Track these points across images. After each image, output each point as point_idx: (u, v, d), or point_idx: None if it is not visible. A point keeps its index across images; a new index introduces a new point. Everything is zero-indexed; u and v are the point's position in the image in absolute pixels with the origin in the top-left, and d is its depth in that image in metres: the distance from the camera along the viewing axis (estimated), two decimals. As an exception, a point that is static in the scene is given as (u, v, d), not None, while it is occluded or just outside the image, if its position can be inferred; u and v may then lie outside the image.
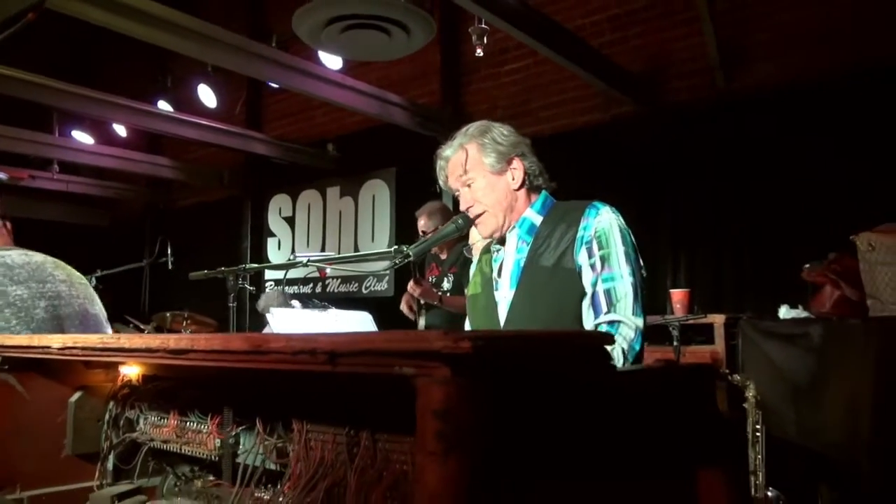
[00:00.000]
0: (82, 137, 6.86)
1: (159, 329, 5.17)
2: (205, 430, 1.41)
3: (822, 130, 3.91)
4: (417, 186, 5.76)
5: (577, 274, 1.63)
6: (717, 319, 3.54)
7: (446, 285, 4.28)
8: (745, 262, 4.14)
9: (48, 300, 2.19)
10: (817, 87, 4.00)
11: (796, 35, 4.15)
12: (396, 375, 0.73)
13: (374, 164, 6.18)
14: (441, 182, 1.93)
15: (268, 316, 3.01)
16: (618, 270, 1.60)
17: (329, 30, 3.18)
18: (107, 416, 1.66)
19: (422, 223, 4.32)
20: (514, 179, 1.76)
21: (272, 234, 7.02)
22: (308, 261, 2.13)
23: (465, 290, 3.90)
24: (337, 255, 2.53)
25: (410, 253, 1.86)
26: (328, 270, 6.17)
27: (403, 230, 5.85)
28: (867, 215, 3.11)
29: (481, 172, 1.76)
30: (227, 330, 6.70)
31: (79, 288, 2.32)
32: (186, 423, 1.46)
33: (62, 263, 2.36)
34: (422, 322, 4.21)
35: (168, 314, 4.95)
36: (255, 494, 1.29)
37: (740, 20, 4.37)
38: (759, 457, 2.74)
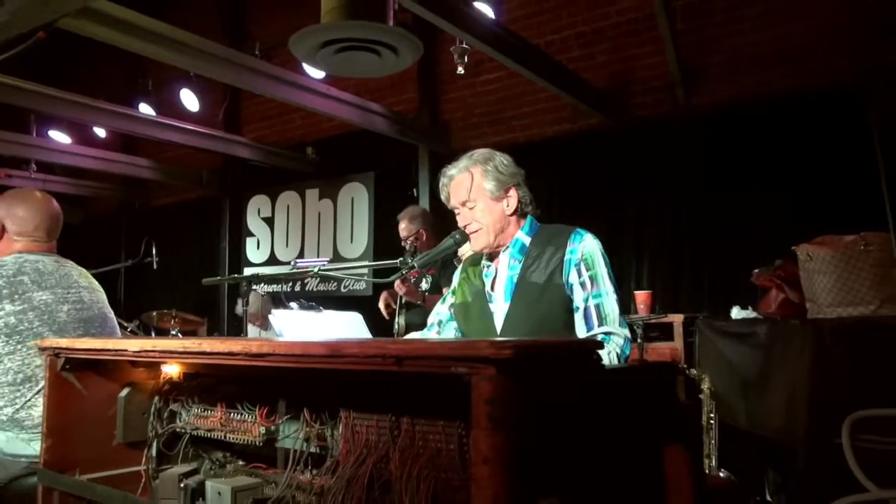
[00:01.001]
0: (60, 137, 6.93)
1: (144, 327, 5.32)
2: (250, 420, 1.65)
3: (772, 146, 4.28)
4: (395, 190, 6.01)
5: (565, 290, 1.92)
6: (677, 319, 3.88)
7: (424, 286, 4.52)
8: (702, 267, 4.51)
9: (71, 304, 2.40)
10: (769, 105, 4.36)
11: (750, 57, 4.52)
12: (444, 375, 1.00)
13: (353, 168, 6.41)
14: (443, 197, 2.16)
15: (270, 318, 3.25)
16: (604, 288, 1.90)
17: (324, 51, 3.41)
18: (152, 409, 1.89)
19: (403, 227, 4.53)
20: (508, 206, 2.03)
21: (251, 234, 7.19)
22: (319, 269, 2.36)
23: (444, 291, 4.17)
24: (346, 266, 2.76)
25: (416, 265, 2.12)
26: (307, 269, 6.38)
27: (382, 232, 6.08)
28: (809, 225, 3.47)
29: (482, 196, 2.02)
30: (217, 329, 6.85)
31: (97, 294, 2.55)
32: (231, 413, 1.70)
33: (85, 272, 2.57)
34: (401, 320, 4.44)
35: (154, 313, 5.11)
36: (297, 475, 1.54)
37: (699, 41, 4.73)
38: (713, 442, 3.07)
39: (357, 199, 6.32)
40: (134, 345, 1.50)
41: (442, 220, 4.60)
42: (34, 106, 5.20)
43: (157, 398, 1.88)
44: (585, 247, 1.94)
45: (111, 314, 2.58)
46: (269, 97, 5.08)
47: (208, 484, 1.53)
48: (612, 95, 5.02)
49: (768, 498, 3.54)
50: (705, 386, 3.21)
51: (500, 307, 2.02)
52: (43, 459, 1.74)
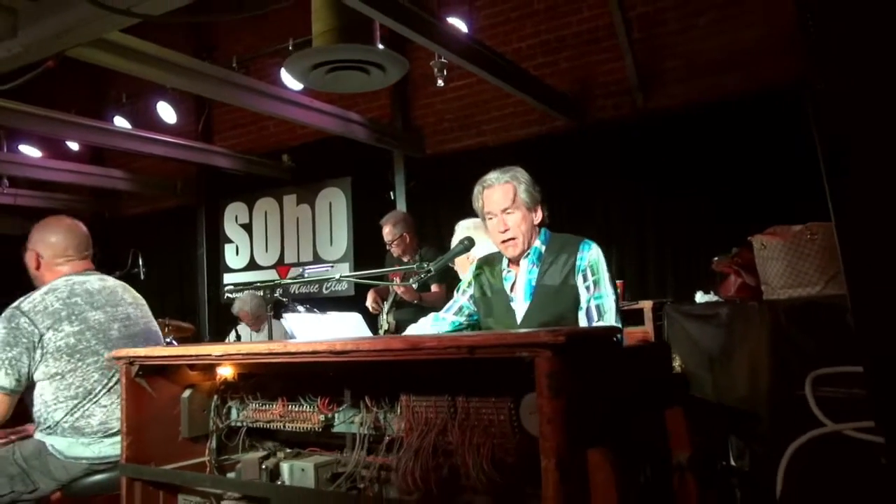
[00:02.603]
0: (30, 151, 6.96)
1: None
2: (309, 409, 1.91)
3: (725, 144, 4.70)
4: (372, 194, 6.27)
5: (578, 291, 2.25)
6: (646, 305, 4.26)
7: (413, 284, 4.77)
8: (665, 257, 4.93)
9: (120, 322, 2.61)
10: (720, 107, 4.78)
11: (702, 63, 4.94)
12: (503, 359, 1.30)
13: (329, 174, 6.64)
14: (477, 205, 2.42)
15: (283, 322, 3.49)
16: (604, 291, 2.24)
17: (316, 71, 3.67)
18: (212, 407, 2.13)
19: (387, 231, 4.78)
20: (536, 219, 2.35)
21: (229, 241, 7.34)
22: (340, 276, 2.63)
23: (434, 288, 4.45)
24: (365, 272, 3.03)
25: (432, 269, 2.41)
26: (290, 272, 6.60)
27: (361, 235, 6.33)
28: (761, 216, 3.86)
29: (520, 208, 2.32)
30: (201, 334, 6.96)
31: (142, 309, 2.76)
32: (290, 405, 1.96)
33: (128, 286, 2.77)
34: (391, 318, 4.70)
35: (147, 322, 5.25)
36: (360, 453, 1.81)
37: (654, 48, 5.12)
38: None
39: (335, 204, 6.56)
40: (217, 350, 1.75)
41: (421, 224, 4.89)
42: (7, 122, 5.26)
43: (215, 397, 2.12)
44: (591, 256, 2.28)
45: (155, 326, 2.79)
46: (251, 109, 5.27)
47: (286, 465, 1.80)
48: (575, 100, 5.39)
49: (732, 462, 3.94)
50: (676, 363, 3.57)
51: (520, 306, 2.33)
52: (125, 455, 1.97)
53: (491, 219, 2.35)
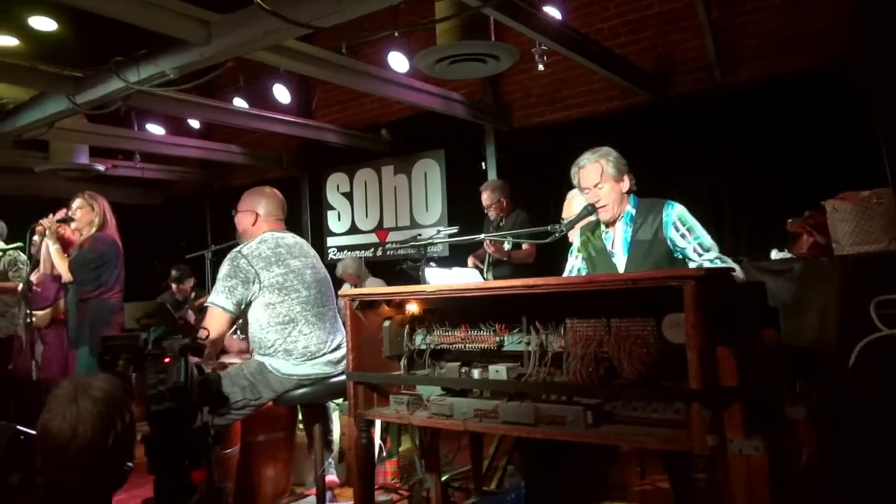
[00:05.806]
0: (155, 129, 7.82)
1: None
2: (486, 333, 2.57)
3: (797, 116, 5.13)
4: (465, 165, 6.90)
5: (668, 244, 2.78)
6: (725, 263, 4.80)
7: (507, 246, 5.43)
8: (740, 220, 5.42)
9: (311, 269, 3.34)
10: (793, 80, 5.20)
11: (776, 40, 5.35)
12: (653, 288, 1.93)
13: (424, 146, 7.29)
14: (575, 179, 3.02)
15: (425, 276, 4.19)
16: (699, 233, 2.79)
17: (441, 63, 4.30)
18: (405, 333, 2.82)
19: (486, 196, 5.44)
20: (624, 187, 2.91)
21: (332, 208, 8.11)
22: (484, 236, 3.29)
23: (524, 246, 5.06)
24: (501, 233, 3.67)
25: (563, 229, 3.01)
26: (389, 236, 7.34)
27: (454, 203, 6.99)
28: (831, 182, 4.31)
29: (607, 181, 2.90)
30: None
31: (319, 261, 3.48)
32: (471, 331, 2.62)
33: (308, 244, 3.50)
34: (490, 275, 5.38)
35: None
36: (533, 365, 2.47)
37: (732, 27, 5.55)
38: (762, 352, 4.01)
39: (430, 174, 7.22)
40: (430, 288, 2.43)
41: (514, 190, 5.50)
42: (137, 104, 6.02)
43: (407, 326, 2.82)
44: (677, 211, 2.84)
45: (328, 275, 3.52)
46: (368, 92, 5.92)
47: (476, 370, 2.47)
48: (656, 76, 5.86)
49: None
50: (754, 311, 4.12)
51: (620, 260, 2.90)
52: (351, 366, 2.68)
53: (586, 193, 2.94)
